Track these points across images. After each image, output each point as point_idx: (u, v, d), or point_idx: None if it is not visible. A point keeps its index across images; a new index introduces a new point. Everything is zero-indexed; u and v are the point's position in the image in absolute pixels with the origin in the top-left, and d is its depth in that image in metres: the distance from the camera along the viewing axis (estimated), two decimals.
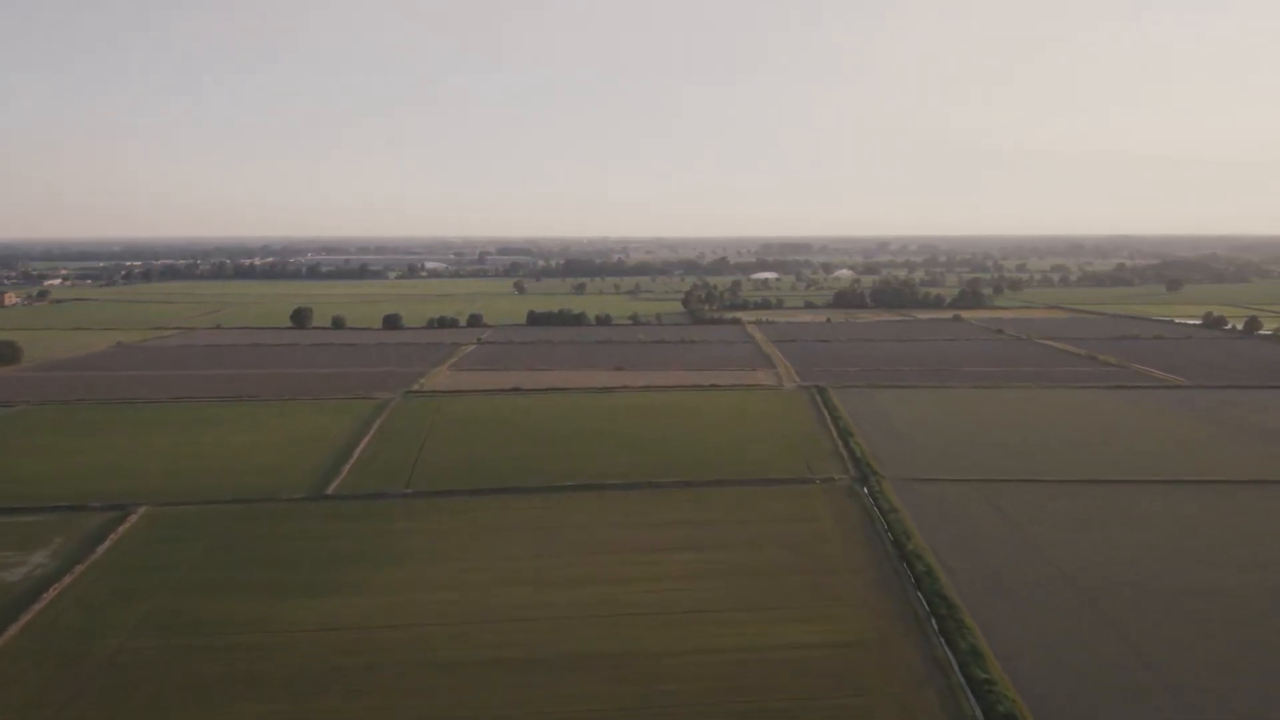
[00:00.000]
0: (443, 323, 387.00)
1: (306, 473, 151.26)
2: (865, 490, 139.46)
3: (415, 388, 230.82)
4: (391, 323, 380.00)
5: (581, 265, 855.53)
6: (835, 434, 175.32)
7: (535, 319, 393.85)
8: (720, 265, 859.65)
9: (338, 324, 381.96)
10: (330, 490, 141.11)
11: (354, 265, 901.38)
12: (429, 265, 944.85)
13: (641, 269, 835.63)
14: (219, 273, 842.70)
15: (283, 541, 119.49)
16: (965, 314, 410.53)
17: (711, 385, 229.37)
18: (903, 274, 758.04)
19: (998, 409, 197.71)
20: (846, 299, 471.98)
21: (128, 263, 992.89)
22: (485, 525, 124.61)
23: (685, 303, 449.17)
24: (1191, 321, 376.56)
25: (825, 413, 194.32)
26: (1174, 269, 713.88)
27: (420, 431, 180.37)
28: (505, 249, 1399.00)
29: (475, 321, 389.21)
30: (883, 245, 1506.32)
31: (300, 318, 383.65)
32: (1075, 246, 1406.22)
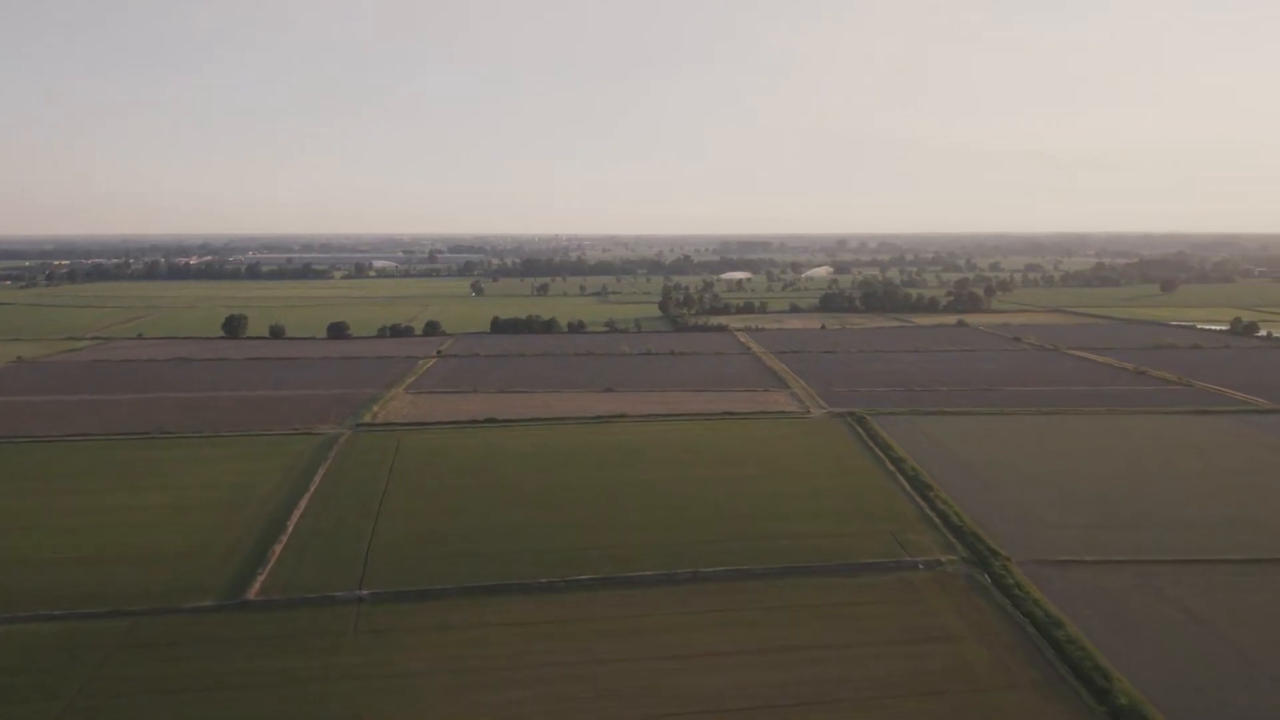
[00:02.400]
0: (396, 331, 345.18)
1: (222, 558, 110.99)
2: (989, 579, 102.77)
3: (367, 418, 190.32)
4: (337, 331, 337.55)
5: (540, 264, 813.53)
6: (906, 484, 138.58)
7: (500, 326, 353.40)
8: (684, 264, 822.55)
9: (276, 333, 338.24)
10: (253, 592, 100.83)
11: (297, 264, 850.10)
12: (377, 264, 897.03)
13: (603, 268, 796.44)
14: (151, 273, 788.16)
15: (176, 699, 79.38)
16: (968, 319, 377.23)
17: (725, 412, 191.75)
18: (875, 273, 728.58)
19: (1086, 444, 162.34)
20: (834, 302, 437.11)
21: (55, 262, 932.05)
22: (477, 659, 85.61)
23: (662, 307, 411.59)
24: (1217, 327, 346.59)
25: (879, 452, 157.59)
26: (1153, 268, 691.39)
27: (375, 485, 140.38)
28: (456, 247, 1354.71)
29: (432, 329, 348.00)
30: (841, 243, 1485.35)
31: (233, 327, 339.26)
32: (1034, 244, 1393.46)
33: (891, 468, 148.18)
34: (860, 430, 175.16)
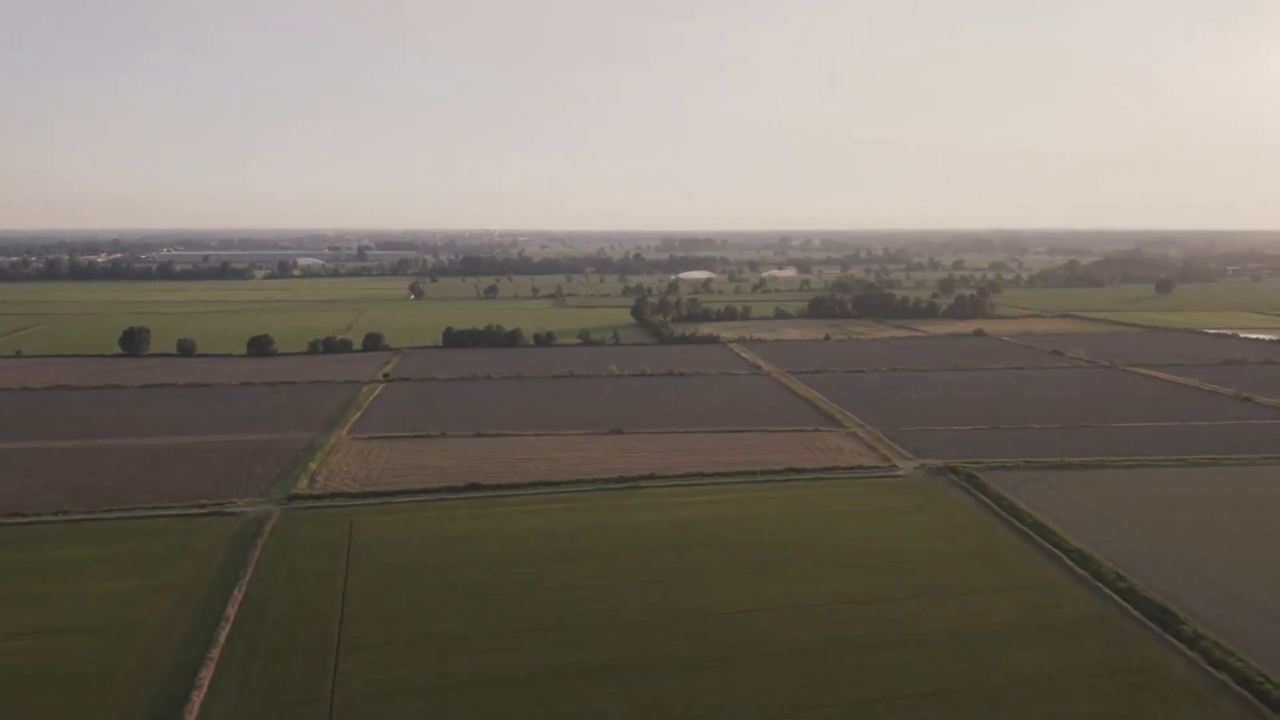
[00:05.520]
0: (330, 346, 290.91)
1: None
2: None
3: (303, 484, 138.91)
4: (260, 347, 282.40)
5: (482, 263, 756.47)
6: (1130, 607, 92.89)
7: (454, 339, 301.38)
8: (637, 263, 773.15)
9: (185, 350, 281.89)
10: None
11: (214, 263, 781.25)
12: (302, 262, 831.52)
13: (550, 267, 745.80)
14: (51, 272, 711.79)
15: None
16: (983, 327, 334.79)
17: (789, 470, 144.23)
18: (838, 271, 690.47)
19: None
20: (824, 307, 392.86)
21: None
22: None
23: (636, 313, 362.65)
24: (1265, 337, 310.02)
25: (1039, 538, 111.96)
26: (1133, 267, 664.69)
27: (323, 625, 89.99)
28: (385, 243, 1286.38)
29: (374, 343, 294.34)
30: (784, 240, 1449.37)
31: (133, 342, 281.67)
32: (979, 241, 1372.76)
33: (1080, 570, 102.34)
34: (982, 497, 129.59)
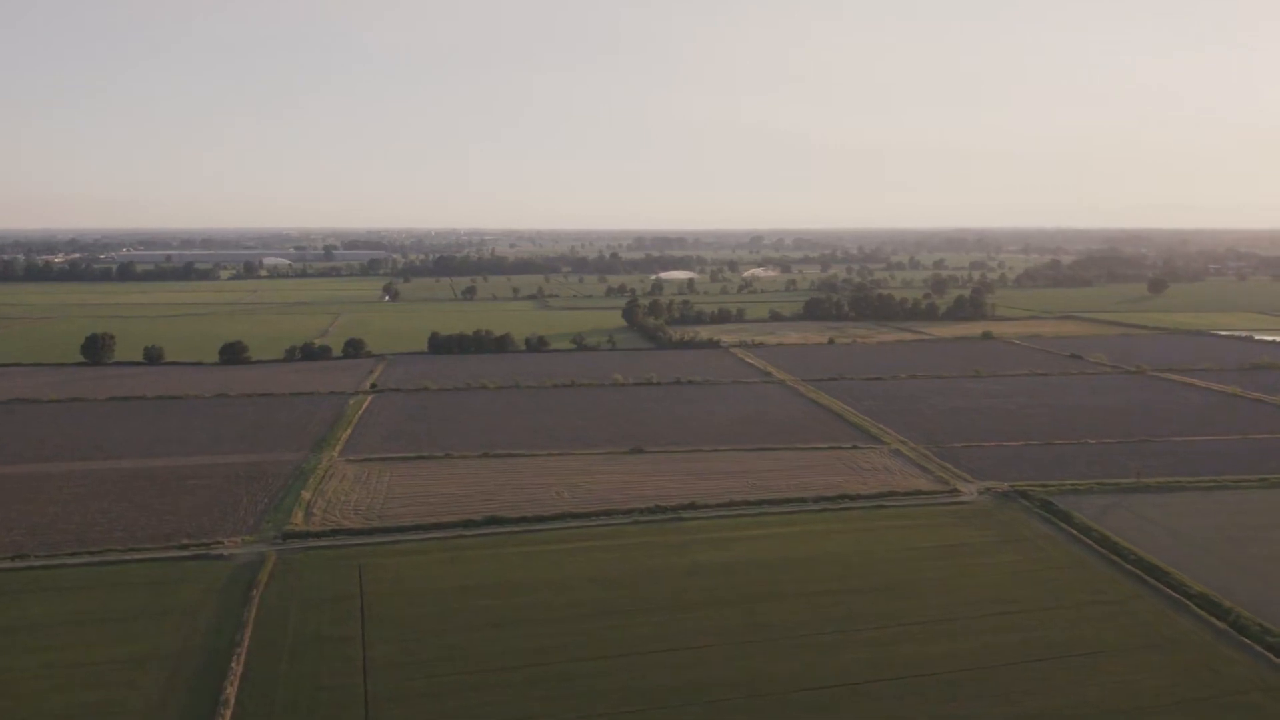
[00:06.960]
0: (308, 353, 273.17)
1: None
2: None
3: (297, 517, 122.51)
4: (234, 354, 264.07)
5: (455, 263, 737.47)
6: None
7: (441, 344, 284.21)
8: (614, 263, 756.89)
9: (152, 358, 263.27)
10: None
11: (177, 263, 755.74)
12: (268, 262, 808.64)
13: (526, 266, 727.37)
14: (6, 274, 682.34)
15: None
16: (990, 330, 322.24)
17: (841, 495, 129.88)
18: (817, 272, 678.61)
19: None
20: (821, 309, 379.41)
21: None
22: None
23: (628, 316, 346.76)
24: (1275, 338, 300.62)
25: (1153, 581, 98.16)
26: (1119, 266, 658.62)
27: (343, 712, 74.08)
28: (351, 242, 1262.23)
29: (355, 349, 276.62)
30: (757, 239, 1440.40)
31: (95, 350, 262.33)
32: (955, 241, 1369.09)
33: (1218, 622, 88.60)
34: (1067, 528, 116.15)
